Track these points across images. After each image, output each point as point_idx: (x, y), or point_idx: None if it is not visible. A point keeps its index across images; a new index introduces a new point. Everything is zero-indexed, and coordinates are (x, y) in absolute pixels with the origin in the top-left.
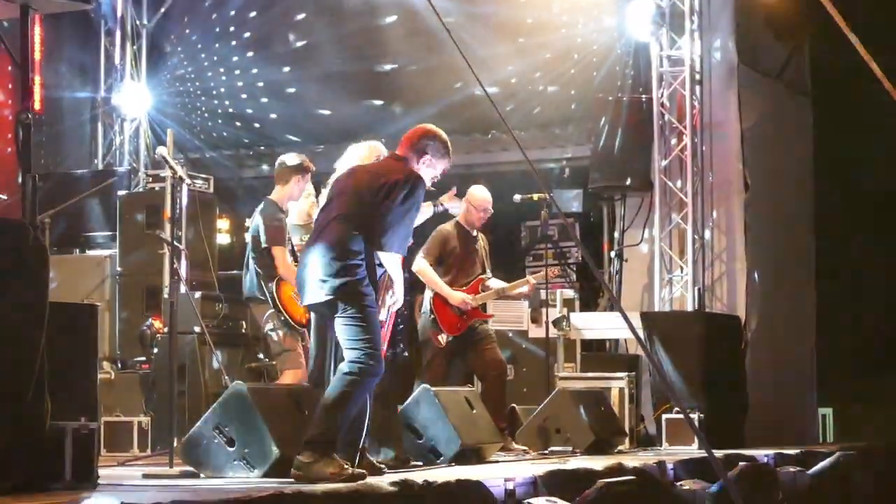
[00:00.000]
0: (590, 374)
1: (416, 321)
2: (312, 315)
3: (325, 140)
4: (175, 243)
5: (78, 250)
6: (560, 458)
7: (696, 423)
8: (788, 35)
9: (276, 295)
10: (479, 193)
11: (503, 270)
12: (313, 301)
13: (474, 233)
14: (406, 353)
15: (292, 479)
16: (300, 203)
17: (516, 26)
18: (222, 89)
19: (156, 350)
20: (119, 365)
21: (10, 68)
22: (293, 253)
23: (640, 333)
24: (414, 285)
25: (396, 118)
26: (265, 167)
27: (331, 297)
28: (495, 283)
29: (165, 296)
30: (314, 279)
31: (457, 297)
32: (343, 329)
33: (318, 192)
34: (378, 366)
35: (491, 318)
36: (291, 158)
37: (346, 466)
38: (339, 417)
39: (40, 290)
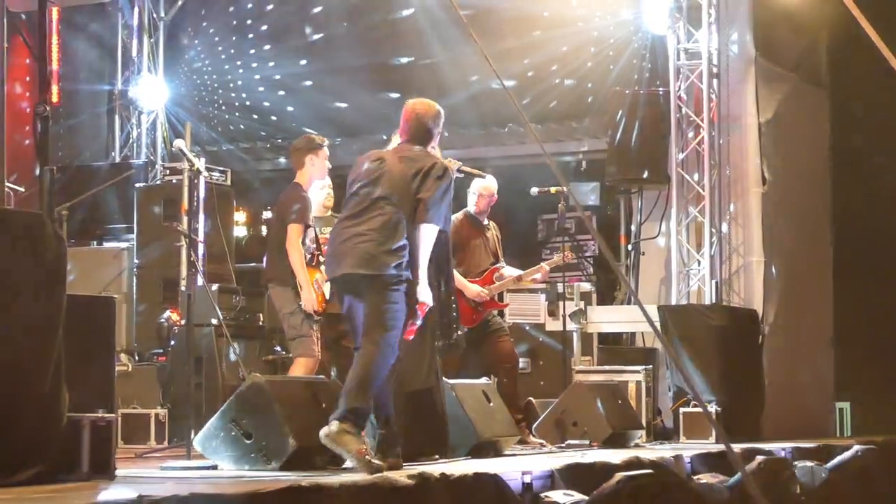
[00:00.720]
0: (607, 368)
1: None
2: (341, 295)
3: (342, 133)
4: (192, 235)
5: (95, 243)
6: (577, 452)
7: (714, 417)
8: (805, 28)
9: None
10: (486, 182)
11: (520, 263)
12: (354, 271)
13: (485, 221)
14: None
15: (309, 472)
16: (317, 195)
17: (533, 19)
18: (239, 82)
19: (173, 342)
20: (136, 357)
21: (27, 61)
22: (317, 242)
23: (658, 326)
24: None
25: None
26: (282, 160)
27: (376, 273)
28: (510, 272)
29: (182, 288)
30: (362, 253)
31: (472, 289)
32: (378, 307)
33: (334, 183)
34: (395, 350)
35: (507, 307)
36: (299, 141)
37: (369, 452)
38: (368, 394)
39: (58, 283)
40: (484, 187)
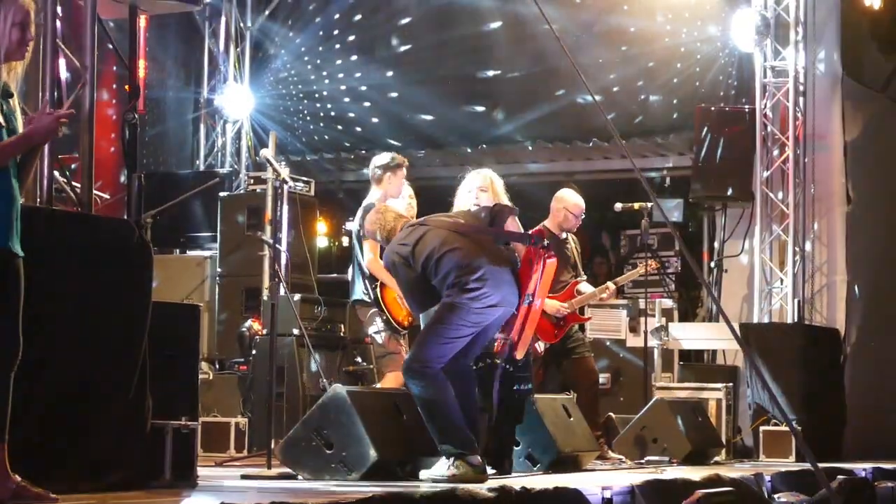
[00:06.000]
0: (687, 385)
1: None
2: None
3: (427, 145)
4: (275, 245)
5: (179, 250)
6: (657, 468)
7: (799, 435)
8: (893, 48)
9: (379, 296)
10: (575, 198)
11: (602, 279)
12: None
13: (563, 235)
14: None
15: (390, 482)
16: (398, 203)
17: (620, 34)
18: (325, 92)
19: (254, 351)
20: (217, 365)
21: (114, 68)
22: None
23: (742, 343)
24: None
25: (498, 124)
26: (366, 171)
27: None
28: (585, 288)
29: (265, 297)
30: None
31: (552, 305)
32: None
33: (418, 196)
34: None
35: (588, 321)
36: (381, 158)
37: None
38: None
39: (143, 290)
40: (575, 204)
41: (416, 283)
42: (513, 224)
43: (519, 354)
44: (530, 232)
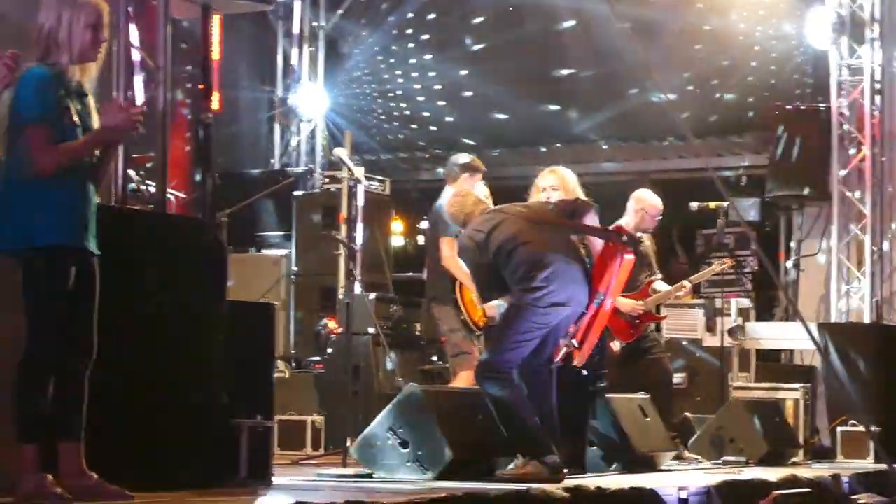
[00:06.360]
0: (764, 385)
1: None
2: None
3: (501, 144)
4: (350, 244)
5: (254, 249)
6: (734, 469)
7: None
8: None
9: (457, 296)
10: (653, 199)
11: (678, 278)
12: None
13: (639, 235)
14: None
15: (464, 482)
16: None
17: (694, 33)
18: (399, 91)
19: (330, 350)
20: (293, 364)
21: (188, 67)
22: None
23: (819, 344)
24: None
25: (572, 123)
26: (441, 170)
27: None
28: (661, 287)
29: (340, 296)
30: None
31: (626, 304)
32: None
33: (492, 195)
34: None
35: (664, 320)
36: (461, 157)
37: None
38: None
39: (219, 289)
40: (654, 205)
41: (484, 271)
42: (592, 219)
43: (578, 361)
44: (610, 227)
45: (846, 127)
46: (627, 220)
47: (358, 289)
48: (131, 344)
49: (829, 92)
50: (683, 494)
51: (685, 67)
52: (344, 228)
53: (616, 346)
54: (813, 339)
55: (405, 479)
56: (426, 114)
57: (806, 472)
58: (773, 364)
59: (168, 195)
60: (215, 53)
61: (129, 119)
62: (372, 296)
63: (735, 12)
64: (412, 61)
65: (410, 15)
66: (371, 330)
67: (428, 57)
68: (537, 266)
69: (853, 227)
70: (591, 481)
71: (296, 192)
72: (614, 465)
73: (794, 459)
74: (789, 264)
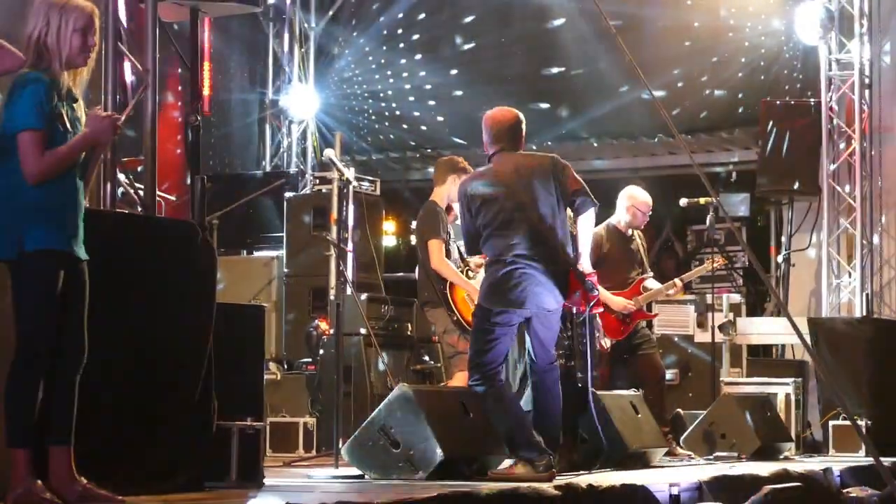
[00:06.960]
0: (756, 380)
1: None
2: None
3: None
4: (341, 245)
5: (245, 251)
6: (725, 464)
7: (864, 430)
8: None
9: (449, 296)
10: (643, 196)
11: (669, 275)
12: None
13: (629, 232)
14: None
15: (456, 481)
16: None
17: (683, 30)
18: (389, 92)
19: (321, 351)
20: (285, 366)
21: (178, 70)
22: (460, 254)
23: (807, 339)
24: None
25: (562, 122)
26: (431, 170)
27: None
28: (652, 284)
29: (332, 297)
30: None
31: (618, 302)
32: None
33: None
34: None
35: (655, 318)
36: (448, 159)
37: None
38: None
39: (208, 291)
40: (644, 202)
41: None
42: (590, 217)
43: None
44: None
45: (836, 122)
46: (618, 218)
47: (349, 289)
48: (121, 348)
49: (818, 87)
50: (675, 490)
51: (674, 64)
52: (334, 229)
53: (606, 343)
54: (800, 335)
55: (397, 479)
56: (416, 114)
57: (798, 467)
58: (765, 359)
59: (158, 198)
60: (206, 56)
61: (111, 126)
62: (363, 296)
63: (724, 8)
64: (402, 61)
65: (400, 16)
66: (362, 330)
67: (418, 57)
68: (503, 264)
69: (843, 222)
70: (583, 479)
71: (287, 194)
72: (606, 462)
73: (786, 454)
74: (780, 259)
